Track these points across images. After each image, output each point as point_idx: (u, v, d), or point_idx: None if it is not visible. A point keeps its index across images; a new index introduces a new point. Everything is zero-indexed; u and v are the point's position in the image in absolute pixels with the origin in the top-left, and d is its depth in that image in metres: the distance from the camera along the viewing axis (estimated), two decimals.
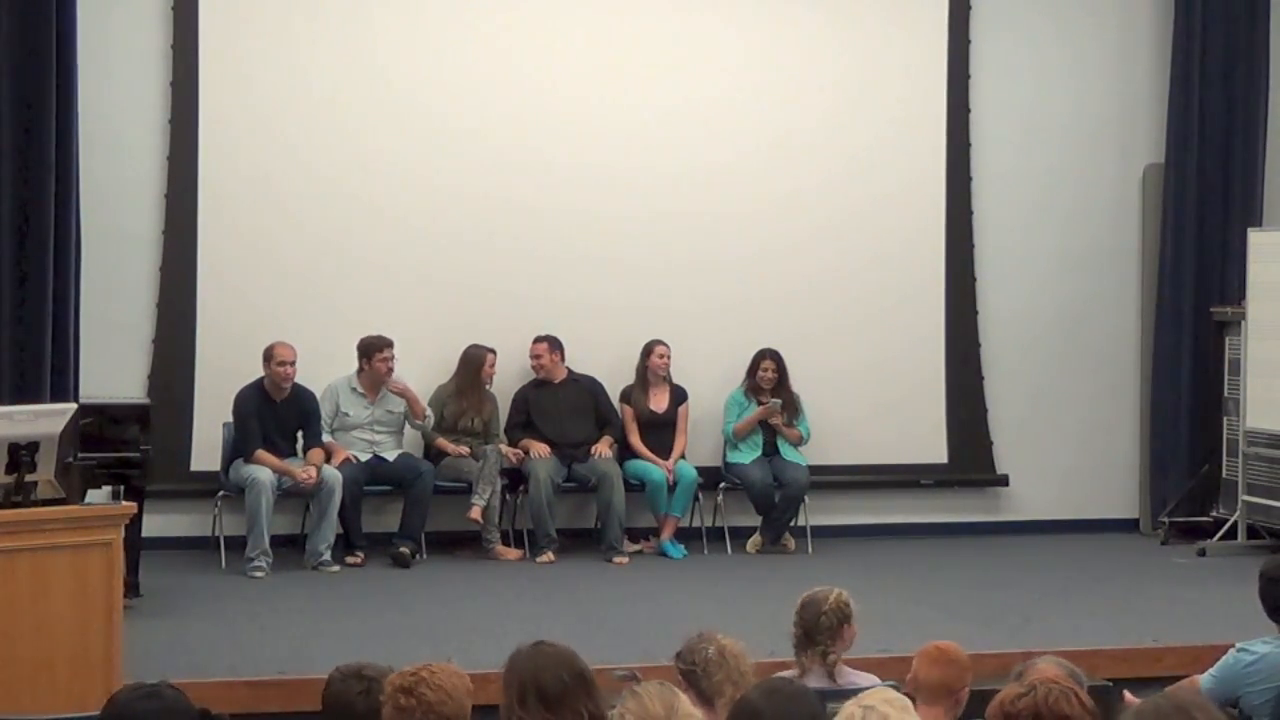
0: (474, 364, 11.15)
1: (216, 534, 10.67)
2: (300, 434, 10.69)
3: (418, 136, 11.37)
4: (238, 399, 10.54)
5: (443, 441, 11.04)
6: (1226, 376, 12.05)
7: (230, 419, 10.62)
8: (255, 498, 10.23)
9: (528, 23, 11.60)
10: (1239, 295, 11.80)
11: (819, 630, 5.85)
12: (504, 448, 11.01)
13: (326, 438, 10.73)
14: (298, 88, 11.24)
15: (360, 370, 10.87)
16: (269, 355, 10.53)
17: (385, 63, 11.37)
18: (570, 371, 11.34)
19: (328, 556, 10.42)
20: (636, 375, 11.48)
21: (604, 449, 11.22)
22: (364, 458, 10.80)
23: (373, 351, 10.79)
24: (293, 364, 10.53)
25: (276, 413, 10.57)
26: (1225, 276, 12.16)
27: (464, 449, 10.94)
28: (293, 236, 11.22)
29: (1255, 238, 11.69)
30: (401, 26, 11.40)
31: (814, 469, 11.46)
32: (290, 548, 10.59)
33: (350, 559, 10.57)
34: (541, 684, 4.38)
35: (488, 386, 11.23)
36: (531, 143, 11.52)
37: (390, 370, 10.81)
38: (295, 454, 10.62)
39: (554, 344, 11.27)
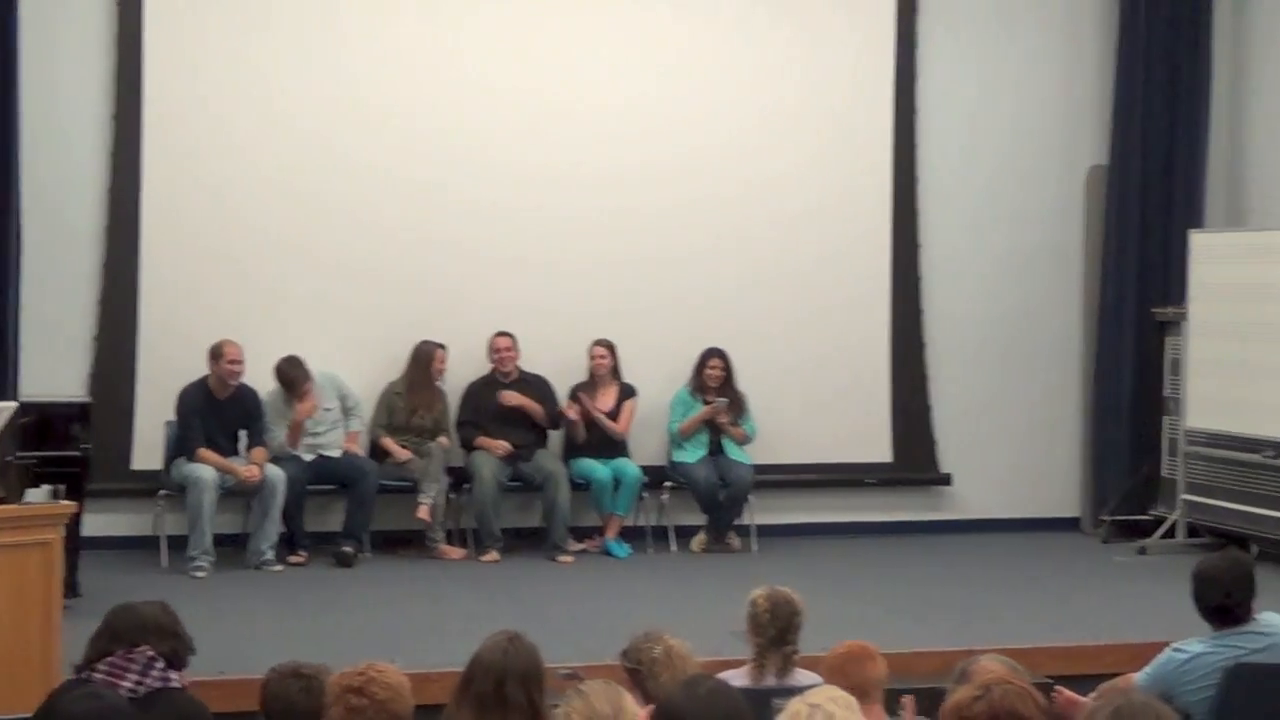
0: (424, 360, 11.11)
1: (158, 533, 10.59)
2: (243, 433, 10.62)
3: (368, 132, 11.32)
4: (181, 397, 10.48)
5: (388, 441, 11.00)
6: (1167, 376, 12.12)
7: (173, 417, 10.56)
8: (197, 496, 10.18)
9: (478, 20, 11.57)
10: (1180, 296, 11.87)
11: (792, 630, 5.87)
12: (442, 439, 10.99)
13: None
14: (246, 82, 11.16)
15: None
16: (217, 353, 10.47)
17: (336, 58, 11.32)
18: (520, 370, 11.32)
19: (271, 556, 10.37)
20: (588, 373, 11.47)
21: (571, 411, 11.19)
22: (308, 457, 10.76)
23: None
24: (242, 363, 10.48)
25: (220, 411, 10.52)
26: (1167, 277, 12.23)
27: (407, 453, 10.89)
28: (240, 233, 11.15)
29: (1197, 239, 11.76)
30: (353, 22, 11.36)
31: (759, 468, 11.47)
32: (233, 547, 10.52)
33: (293, 558, 10.53)
34: (505, 676, 4.43)
35: (438, 383, 11.20)
36: (482, 140, 11.50)
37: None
38: (238, 453, 10.56)
39: (514, 340, 11.24)
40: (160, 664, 4.86)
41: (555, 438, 11.47)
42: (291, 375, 10.69)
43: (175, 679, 4.91)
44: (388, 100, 11.38)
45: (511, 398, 11.15)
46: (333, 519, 10.90)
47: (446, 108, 11.47)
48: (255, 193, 11.17)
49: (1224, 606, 6.21)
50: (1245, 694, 6.05)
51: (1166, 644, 6.33)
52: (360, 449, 11.04)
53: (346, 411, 11.03)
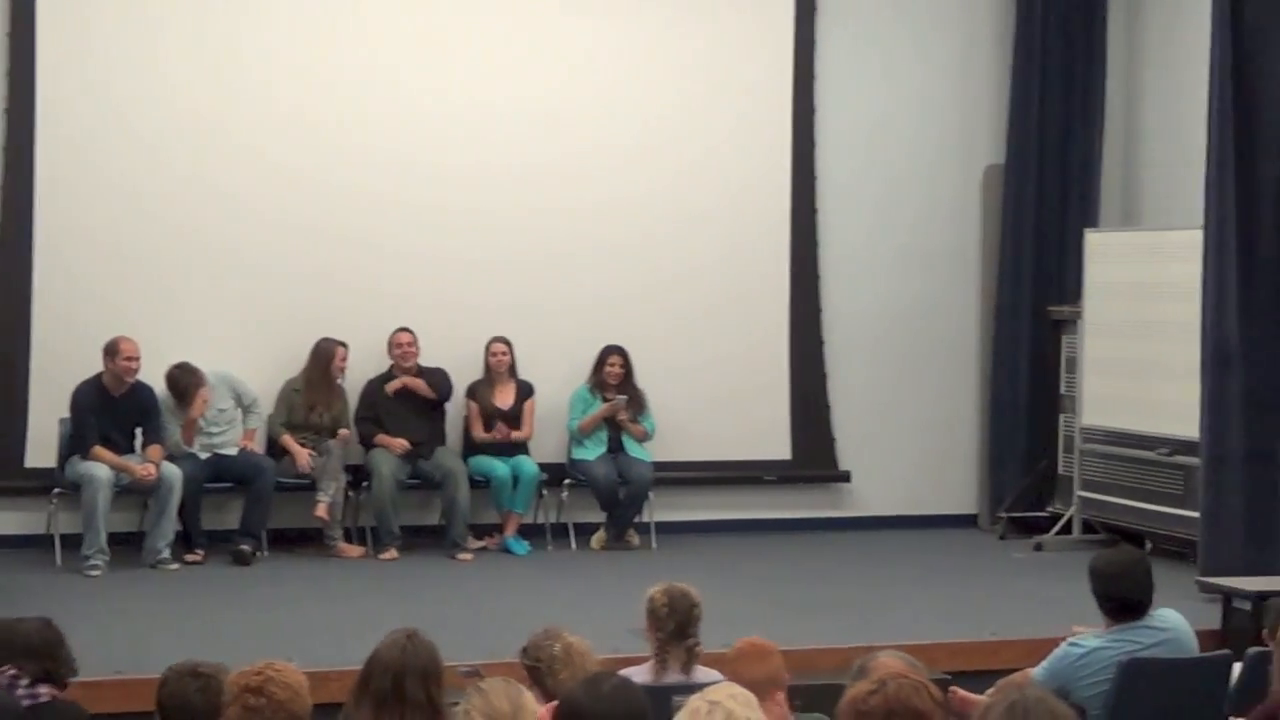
0: (324, 358, 11.05)
1: (52, 532, 10.47)
2: (139, 431, 10.52)
3: (269, 126, 11.24)
4: (75, 394, 10.36)
5: (288, 440, 10.93)
6: (1063, 374, 12.24)
7: (67, 414, 10.44)
8: (92, 495, 10.07)
9: (383, 16, 11.51)
10: (1076, 295, 11.99)
11: (692, 623, 5.88)
12: (343, 431, 10.95)
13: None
14: (144, 73, 11.03)
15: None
16: (113, 350, 10.36)
17: (236, 50, 11.21)
18: (420, 366, 11.28)
19: (167, 554, 10.27)
20: (484, 370, 11.44)
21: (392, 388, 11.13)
22: (204, 455, 10.67)
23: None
24: (138, 359, 10.38)
25: (115, 409, 10.41)
26: (1063, 276, 12.34)
27: (305, 456, 10.82)
28: (137, 228, 11.02)
29: (1092, 238, 11.89)
30: (254, 15, 11.27)
31: (658, 465, 11.49)
32: (128, 546, 10.40)
33: (190, 557, 10.43)
34: (404, 673, 4.43)
35: (338, 381, 11.14)
36: (383, 137, 11.44)
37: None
38: (134, 450, 10.45)
39: (414, 336, 11.20)
40: (25, 682, 4.84)
41: (454, 436, 11.43)
42: (183, 383, 10.59)
43: (44, 693, 4.88)
44: (287, 94, 11.30)
45: (396, 385, 11.10)
46: (230, 517, 10.81)
47: (347, 103, 11.40)
48: (152, 187, 11.06)
49: (1126, 600, 6.27)
50: (1138, 689, 6.12)
51: (1062, 639, 6.39)
52: (258, 447, 10.95)
53: (244, 409, 10.94)
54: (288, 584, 9.96)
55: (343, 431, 11.00)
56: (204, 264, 11.14)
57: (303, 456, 10.82)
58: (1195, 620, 6.55)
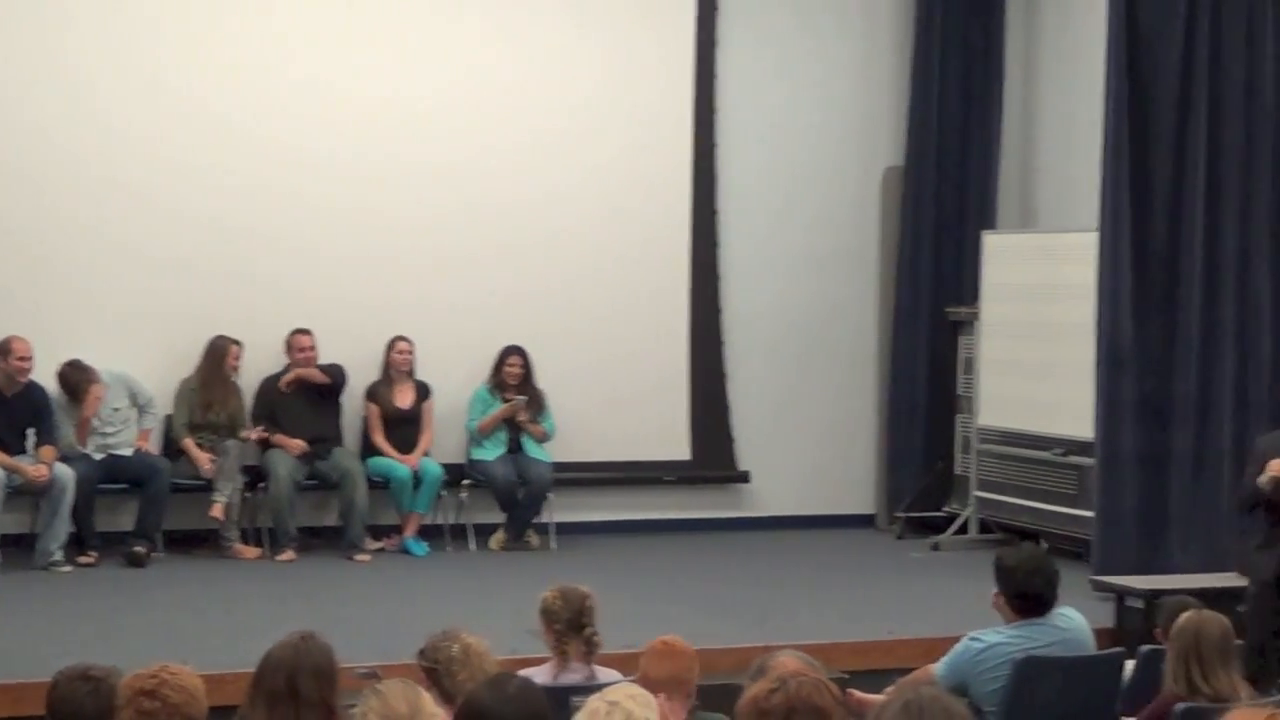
0: (218, 356, 10.96)
1: None
2: (31, 431, 10.38)
3: (168, 120, 11.12)
4: None
5: (189, 443, 10.82)
6: (960, 375, 12.33)
7: None
8: None
9: (284, 12, 11.45)
10: (973, 296, 12.08)
11: (586, 614, 5.87)
12: (245, 431, 10.87)
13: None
14: (41, 65, 10.89)
15: None
16: (5, 350, 10.24)
17: (137, 43, 11.10)
18: (318, 366, 11.20)
19: (59, 556, 10.16)
20: (381, 371, 11.39)
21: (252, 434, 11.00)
22: (98, 456, 10.55)
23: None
24: (31, 359, 10.25)
25: (7, 409, 10.29)
26: (960, 277, 12.43)
27: (206, 459, 10.72)
28: (30, 224, 10.88)
29: (989, 240, 11.98)
30: (156, 9, 11.17)
31: (558, 465, 11.48)
32: (20, 547, 10.29)
33: (83, 559, 10.31)
34: (297, 672, 4.40)
35: (233, 379, 11.05)
36: (284, 132, 11.36)
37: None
38: (26, 451, 10.32)
39: (314, 338, 11.13)
40: None
41: (352, 436, 11.37)
42: (74, 381, 10.48)
43: None
44: (188, 88, 11.18)
45: (290, 378, 11.04)
46: (124, 518, 10.69)
47: (249, 99, 11.31)
48: (46, 183, 10.92)
49: (1033, 596, 6.31)
50: (1033, 686, 6.18)
51: (959, 638, 6.43)
52: (153, 447, 10.85)
53: (139, 410, 10.83)
54: (183, 586, 9.87)
55: (248, 432, 10.90)
56: (99, 259, 11.01)
57: (204, 462, 10.72)
58: (1089, 618, 6.61)
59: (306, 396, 11.12)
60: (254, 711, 4.43)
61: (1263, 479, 8.28)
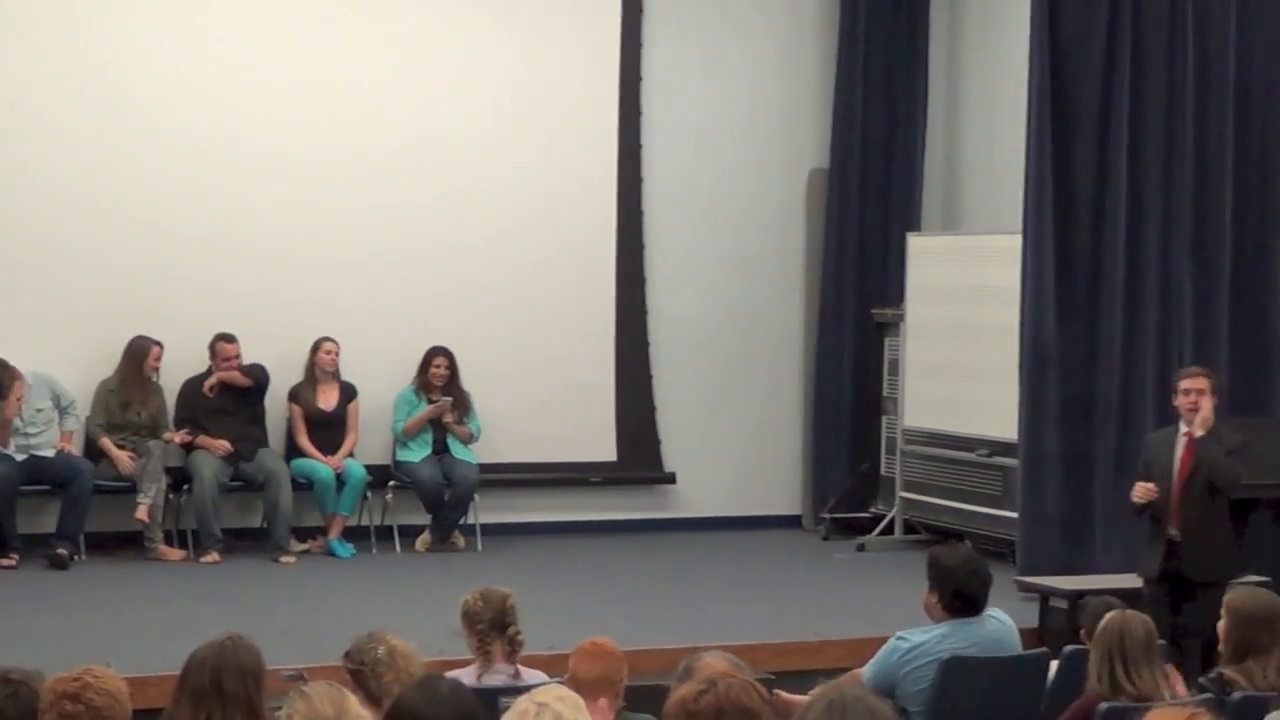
0: (138, 356, 10.88)
1: None
2: None
3: (93, 119, 11.04)
4: None
5: (106, 443, 10.74)
6: (886, 376, 12.38)
7: None
8: None
9: (209, 9, 11.39)
10: (898, 297, 12.14)
11: (508, 612, 5.87)
12: (168, 434, 10.79)
13: None
14: None
15: None
16: None
17: (60, 38, 10.99)
18: (239, 367, 11.14)
19: None
20: (305, 372, 11.34)
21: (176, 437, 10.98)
22: (19, 457, 10.46)
23: None
24: None
25: None
26: (885, 279, 12.49)
27: (125, 458, 10.65)
28: None
29: (914, 242, 12.04)
30: (80, 5, 11.06)
31: (484, 467, 11.46)
32: None
33: (3, 561, 10.22)
34: (223, 670, 4.38)
35: (154, 379, 10.97)
36: (207, 132, 11.30)
37: None
38: None
39: (238, 343, 11.06)
40: None
41: (277, 438, 11.31)
42: None
43: None
44: (111, 84, 11.10)
45: (213, 381, 10.98)
46: (46, 520, 10.59)
47: (172, 95, 11.24)
48: None
49: (967, 596, 6.33)
50: (958, 686, 6.21)
51: (884, 639, 6.46)
52: (75, 449, 10.76)
53: (61, 411, 10.74)
54: (106, 588, 9.80)
55: (171, 435, 10.83)
56: (20, 258, 10.92)
57: (123, 460, 10.65)
58: (1013, 619, 6.64)
59: (230, 398, 11.06)
60: (179, 710, 4.41)
61: (1134, 496, 8.40)
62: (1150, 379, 10.11)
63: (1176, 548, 8.30)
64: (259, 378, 11.10)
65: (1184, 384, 8.38)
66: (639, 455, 12.37)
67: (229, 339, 11.03)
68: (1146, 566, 8.49)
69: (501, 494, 11.71)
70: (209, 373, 11.07)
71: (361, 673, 5.09)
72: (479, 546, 11.30)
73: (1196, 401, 8.29)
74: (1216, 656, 6.18)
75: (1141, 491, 8.34)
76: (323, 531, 11.16)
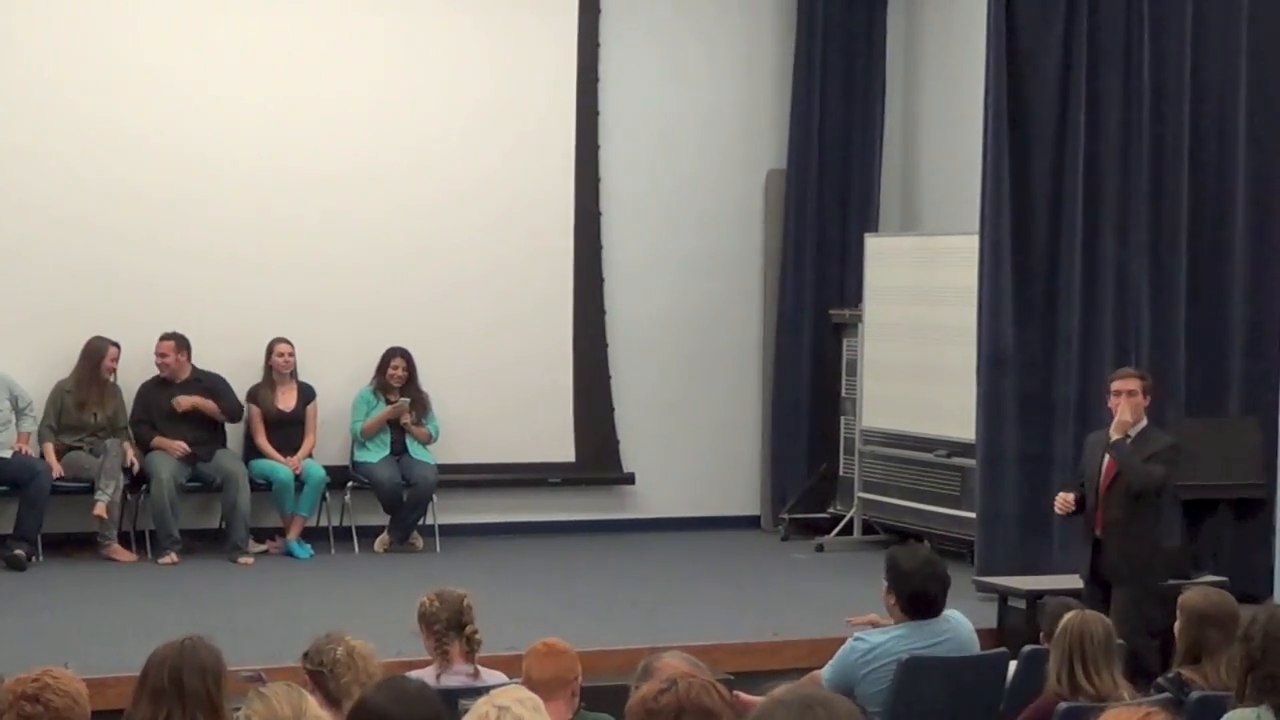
0: (94, 357, 10.85)
1: None
2: None
3: (50, 122, 11.03)
4: None
5: (48, 449, 10.71)
6: (844, 377, 12.41)
7: None
8: None
9: (166, 14, 11.34)
10: (856, 298, 12.16)
11: (465, 612, 5.86)
12: (126, 445, 10.76)
13: None
14: None
15: None
16: None
17: (13, 43, 10.97)
18: (195, 369, 11.11)
19: None
20: (264, 373, 11.32)
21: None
22: None
23: None
24: None
25: None
26: (844, 280, 12.51)
27: (59, 467, 10.59)
28: None
29: (872, 243, 12.07)
30: (32, 9, 11.02)
31: (443, 468, 11.45)
32: None
33: None
34: (182, 668, 4.37)
35: (111, 380, 10.93)
36: (165, 134, 11.28)
37: None
38: None
39: (181, 343, 11.02)
40: None
41: (236, 439, 11.28)
42: None
43: None
44: (67, 88, 11.08)
45: (185, 401, 10.95)
46: (3, 521, 10.56)
47: (129, 99, 11.22)
48: None
49: (925, 597, 6.34)
50: (917, 686, 6.22)
51: (842, 639, 6.47)
52: (33, 450, 10.71)
53: (18, 412, 10.69)
54: (65, 589, 9.75)
55: (126, 447, 10.79)
56: None
57: (57, 468, 10.60)
58: (972, 619, 6.66)
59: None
60: (138, 709, 4.40)
61: (1056, 506, 8.48)
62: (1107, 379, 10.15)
63: (1101, 547, 8.35)
64: (231, 413, 11.08)
65: (1115, 385, 8.40)
66: (598, 456, 12.38)
67: (165, 337, 10.99)
68: (1080, 567, 8.55)
69: (460, 495, 11.70)
70: (163, 381, 11.01)
71: (320, 673, 5.07)
72: (438, 547, 11.29)
73: (1120, 402, 8.31)
74: (1172, 657, 6.21)
75: (1060, 503, 8.46)
76: (281, 532, 11.14)
